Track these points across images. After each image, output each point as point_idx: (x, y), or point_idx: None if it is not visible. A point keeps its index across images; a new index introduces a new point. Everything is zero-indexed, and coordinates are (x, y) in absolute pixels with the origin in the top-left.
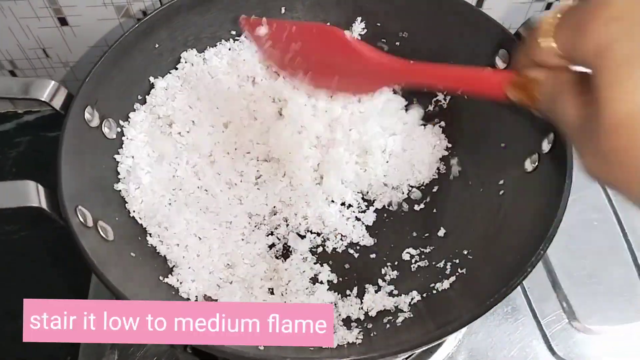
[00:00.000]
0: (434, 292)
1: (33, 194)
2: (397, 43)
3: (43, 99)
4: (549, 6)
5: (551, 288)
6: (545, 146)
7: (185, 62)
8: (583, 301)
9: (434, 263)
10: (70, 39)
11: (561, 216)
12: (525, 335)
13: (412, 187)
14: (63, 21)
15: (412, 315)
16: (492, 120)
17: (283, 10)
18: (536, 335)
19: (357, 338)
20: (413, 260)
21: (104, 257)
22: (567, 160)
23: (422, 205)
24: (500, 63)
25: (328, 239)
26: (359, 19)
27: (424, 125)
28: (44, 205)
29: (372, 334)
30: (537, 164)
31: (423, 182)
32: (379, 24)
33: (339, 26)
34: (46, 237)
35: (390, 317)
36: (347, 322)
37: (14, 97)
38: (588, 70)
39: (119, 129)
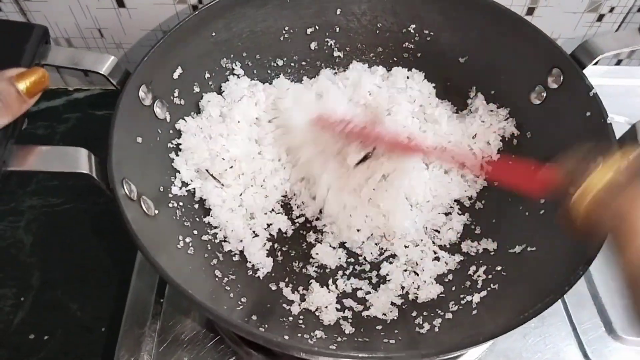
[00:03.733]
0: (462, 303)
1: (84, 161)
2: (450, 54)
3: (102, 72)
4: (600, 17)
5: (589, 295)
6: None
7: None
8: (621, 312)
9: (467, 275)
10: (126, 21)
11: (602, 242)
12: (560, 340)
13: (456, 200)
14: (120, 3)
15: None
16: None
17: (338, 12)
18: (571, 341)
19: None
20: (447, 270)
21: (145, 230)
22: None
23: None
24: (552, 83)
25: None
26: (413, 26)
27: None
28: (93, 173)
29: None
30: None
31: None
32: (432, 33)
33: (391, 32)
34: (89, 211)
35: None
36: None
37: (76, 68)
38: None
39: (168, 113)
